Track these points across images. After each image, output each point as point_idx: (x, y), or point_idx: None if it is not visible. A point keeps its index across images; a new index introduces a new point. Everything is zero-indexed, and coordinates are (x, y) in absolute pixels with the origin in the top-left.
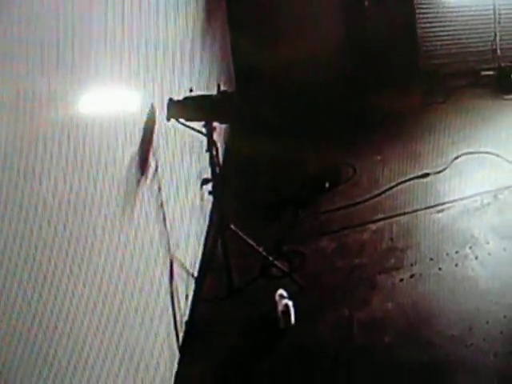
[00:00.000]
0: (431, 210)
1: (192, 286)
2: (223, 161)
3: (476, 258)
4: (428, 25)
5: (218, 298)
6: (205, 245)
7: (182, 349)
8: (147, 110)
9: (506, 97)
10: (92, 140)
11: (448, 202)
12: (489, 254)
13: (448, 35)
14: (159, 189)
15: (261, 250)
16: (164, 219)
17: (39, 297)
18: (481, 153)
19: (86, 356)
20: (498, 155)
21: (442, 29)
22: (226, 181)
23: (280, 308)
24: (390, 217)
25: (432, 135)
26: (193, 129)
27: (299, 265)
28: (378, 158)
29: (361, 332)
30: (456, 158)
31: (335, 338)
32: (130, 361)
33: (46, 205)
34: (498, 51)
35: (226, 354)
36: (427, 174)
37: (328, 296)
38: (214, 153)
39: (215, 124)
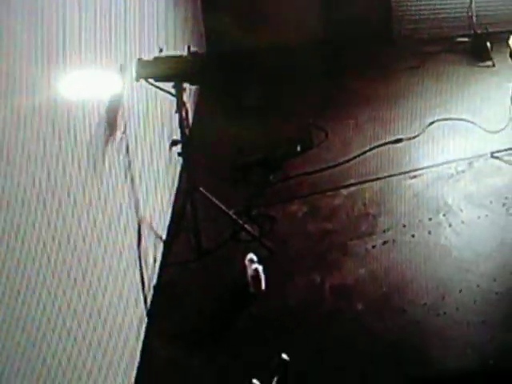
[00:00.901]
0: (404, 175)
1: (160, 249)
2: (193, 122)
3: (450, 225)
4: None
5: (186, 261)
6: (173, 207)
7: (149, 313)
8: (116, 71)
9: (481, 64)
10: (60, 99)
11: (422, 169)
12: (462, 222)
13: (423, 0)
14: (127, 150)
15: (230, 213)
16: (132, 181)
17: (5, 257)
18: (455, 119)
19: (55, 319)
20: (473, 122)
21: None
22: (195, 143)
23: (250, 272)
24: (363, 182)
25: (406, 100)
26: (162, 90)
27: (269, 229)
28: (351, 122)
29: (332, 298)
30: (430, 123)
31: (306, 304)
32: (96, 325)
33: (14, 162)
34: (474, 18)
35: (195, 318)
36: (400, 140)
37: (299, 261)
38: (184, 114)
39: (185, 85)
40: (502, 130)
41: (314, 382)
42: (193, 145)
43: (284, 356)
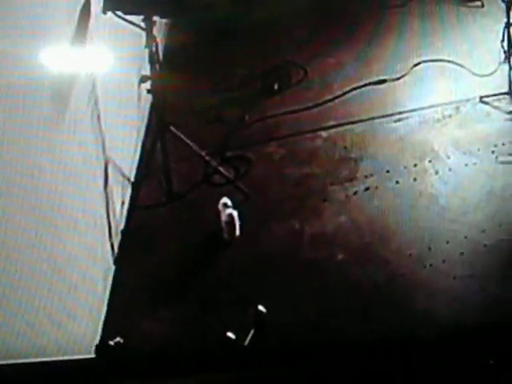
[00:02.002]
0: (388, 118)
1: (128, 192)
2: (163, 58)
3: (436, 172)
4: None
5: (156, 205)
6: (143, 147)
7: (117, 260)
8: (81, 2)
9: (470, 4)
10: (21, 34)
11: (406, 112)
12: (449, 169)
13: None
14: (94, 87)
15: (203, 154)
16: (99, 118)
17: None
18: (442, 61)
19: (20, 265)
20: (460, 65)
21: None
22: (165, 79)
23: (224, 218)
24: (344, 124)
25: (390, 40)
26: (131, 23)
27: (245, 172)
28: (332, 60)
29: (311, 246)
30: (415, 65)
31: (283, 252)
32: (62, 272)
33: None
34: None
35: (165, 266)
36: (384, 81)
37: (276, 206)
38: (154, 49)
39: (155, 18)
40: (492, 74)
41: (292, 335)
42: (163, 81)
43: (260, 308)
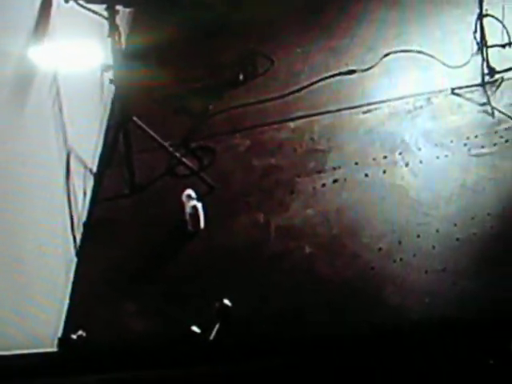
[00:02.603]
0: (357, 109)
1: (90, 183)
2: (127, 48)
3: (406, 165)
4: None
5: (118, 197)
6: (105, 138)
7: (79, 253)
8: None
9: None
10: None
11: (376, 103)
12: (420, 161)
13: None
14: (55, 77)
15: (167, 145)
16: (60, 108)
17: None
18: (413, 52)
19: None
20: (432, 56)
21: None
22: (128, 69)
23: (188, 210)
24: (311, 115)
25: (359, 29)
26: (94, 12)
27: (209, 163)
28: (299, 50)
29: (278, 239)
30: (386, 55)
31: (249, 245)
32: (23, 265)
33: None
34: None
35: (128, 259)
36: (353, 71)
37: (241, 198)
38: (117, 38)
39: (118, 7)
40: (464, 65)
41: (257, 330)
42: (126, 71)
43: (226, 301)
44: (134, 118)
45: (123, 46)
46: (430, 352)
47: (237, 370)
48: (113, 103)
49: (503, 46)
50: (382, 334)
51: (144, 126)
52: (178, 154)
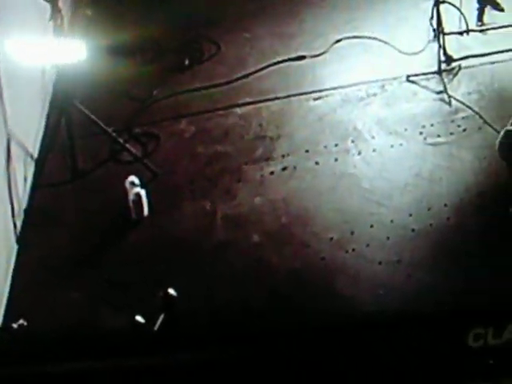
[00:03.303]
0: (307, 96)
1: (31, 169)
2: (70, 30)
3: (359, 153)
4: None
5: (60, 183)
6: (47, 124)
7: (20, 239)
8: None
9: None
10: None
11: (327, 89)
12: (374, 150)
13: None
14: None
15: (110, 130)
16: (0, 92)
17: None
18: (366, 38)
19: None
20: (386, 42)
21: None
22: (71, 52)
23: (131, 197)
24: (259, 101)
25: (309, 14)
26: None
27: (153, 149)
28: (247, 35)
29: (224, 228)
30: (337, 41)
31: (195, 234)
32: None
33: None
34: None
35: (70, 245)
36: (303, 57)
37: (187, 185)
38: (59, 22)
39: None
40: (420, 52)
41: (204, 321)
42: (68, 54)
43: (171, 291)
44: (76, 103)
45: (66, 29)
46: (384, 344)
47: (181, 360)
48: (55, 87)
49: (461, 33)
50: (333, 326)
51: (87, 111)
52: (121, 140)
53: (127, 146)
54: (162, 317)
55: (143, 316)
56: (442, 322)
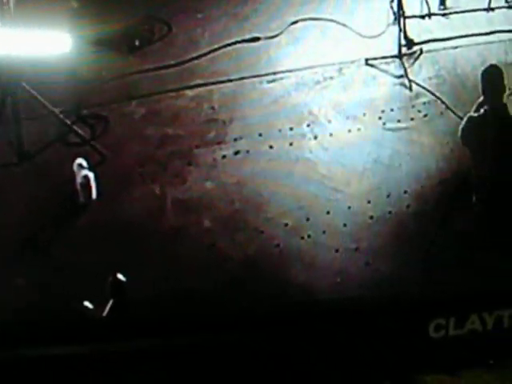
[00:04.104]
0: (261, 78)
1: None
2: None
3: (315, 137)
4: None
5: (5, 165)
6: None
7: None
8: None
9: None
10: None
11: (282, 72)
12: (331, 134)
13: None
14: None
15: (57, 112)
16: None
17: None
18: (324, 20)
19: None
20: (344, 25)
21: None
22: (17, 33)
23: (79, 180)
24: (212, 83)
25: None
26: None
27: (102, 131)
28: (199, 15)
29: (175, 212)
30: (293, 23)
31: (144, 217)
32: None
33: None
34: None
35: (15, 230)
36: (257, 38)
37: (136, 169)
38: (5, 1)
39: None
40: (379, 35)
41: (153, 306)
42: (14, 35)
43: (120, 276)
44: (23, 84)
45: (12, 10)
46: (341, 333)
47: (131, 347)
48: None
49: (422, 16)
50: (288, 314)
51: (33, 91)
52: (68, 122)
53: (75, 127)
54: (111, 303)
55: (91, 302)
56: (401, 311)
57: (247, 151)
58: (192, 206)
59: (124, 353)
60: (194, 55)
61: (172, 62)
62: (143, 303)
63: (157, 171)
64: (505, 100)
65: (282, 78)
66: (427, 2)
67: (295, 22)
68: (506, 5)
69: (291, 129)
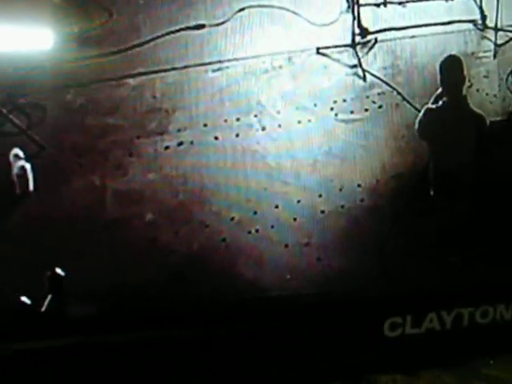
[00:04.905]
0: (206, 67)
1: None
2: None
3: (263, 128)
4: None
5: None
6: None
7: None
8: None
9: None
10: None
11: (228, 61)
12: (279, 125)
13: None
14: None
15: None
16: None
17: None
18: (273, 7)
19: None
20: (294, 12)
21: None
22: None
23: (15, 170)
24: (154, 72)
25: None
26: None
27: (39, 120)
28: (142, 1)
29: (115, 204)
30: (240, 10)
31: (84, 209)
32: None
33: None
34: None
35: None
36: (202, 26)
37: (75, 160)
38: None
39: None
40: (332, 23)
41: (95, 303)
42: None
43: (58, 271)
44: None
45: None
46: (291, 331)
47: (70, 343)
48: None
49: (377, 5)
50: (234, 311)
51: None
52: (4, 110)
53: (11, 116)
54: (49, 298)
55: (29, 297)
56: (354, 309)
57: (191, 142)
58: (133, 198)
59: (61, 348)
60: (136, 42)
61: (113, 50)
62: (82, 298)
63: (97, 162)
64: (464, 92)
65: (228, 67)
66: None
67: (243, 9)
68: None
69: (238, 119)
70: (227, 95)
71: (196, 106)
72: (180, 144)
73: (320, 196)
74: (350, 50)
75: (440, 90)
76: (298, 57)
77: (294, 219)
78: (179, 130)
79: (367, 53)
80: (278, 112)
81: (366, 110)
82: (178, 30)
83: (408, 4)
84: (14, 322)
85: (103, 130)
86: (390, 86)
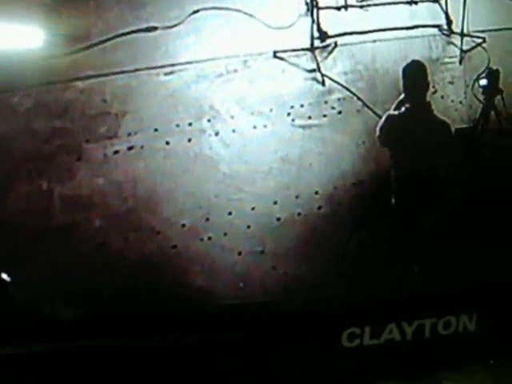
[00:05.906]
0: (158, 70)
1: None
2: None
3: (216, 133)
4: None
5: None
6: None
7: None
8: None
9: None
10: None
11: (180, 64)
12: (233, 130)
13: None
14: None
15: None
16: None
17: None
18: (228, 9)
19: None
20: (251, 15)
21: None
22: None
23: None
24: (103, 75)
25: None
26: None
27: None
28: (91, 2)
29: (63, 210)
30: (194, 12)
31: (30, 215)
32: None
33: None
34: None
35: None
36: (154, 28)
37: (21, 164)
38: None
39: None
40: (290, 27)
41: (42, 311)
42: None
43: (4, 276)
44: None
45: None
46: (244, 341)
47: (18, 354)
48: None
49: (338, 8)
50: (184, 320)
51: None
52: None
53: None
54: None
55: None
56: (311, 319)
57: (141, 147)
58: (81, 203)
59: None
60: (85, 45)
61: (61, 52)
62: (29, 304)
63: (44, 166)
64: (428, 98)
65: (180, 70)
66: None
67: (196, 11)
68: None
69: (190, 124)
70: (179, 99)
71: (147, 109)
72: (130, 148)
73: (275, 203)
74: (309, 54)
75: (402, 95)
76: (254, 60)
77: (248, 226)
78: (129, 135)
79: (326, 57)
80: (232, 117)
81: (325, 115)
82: (129, 33)
83: (370, 8)
84: None
85: (51, 134)
86: (350, 92)
